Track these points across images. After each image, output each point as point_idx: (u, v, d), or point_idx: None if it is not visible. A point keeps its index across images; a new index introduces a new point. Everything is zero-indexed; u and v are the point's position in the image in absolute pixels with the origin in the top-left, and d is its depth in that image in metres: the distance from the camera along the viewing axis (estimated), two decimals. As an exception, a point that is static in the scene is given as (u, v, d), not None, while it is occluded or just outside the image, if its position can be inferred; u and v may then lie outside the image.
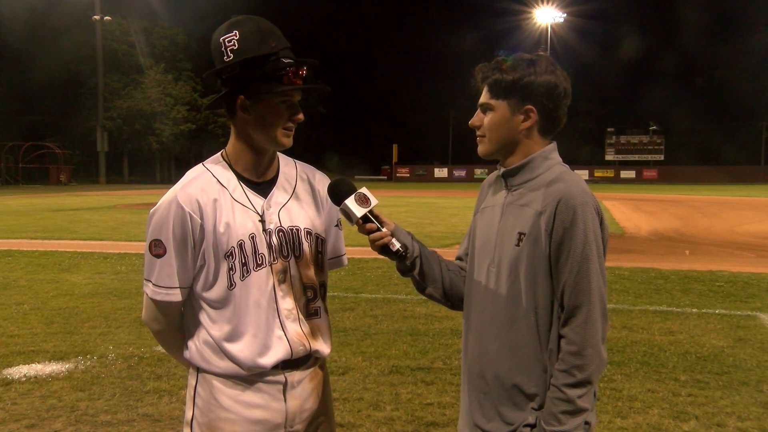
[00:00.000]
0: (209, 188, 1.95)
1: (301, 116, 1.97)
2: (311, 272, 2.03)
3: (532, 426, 1.87)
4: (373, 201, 1.95)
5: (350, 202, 1.93)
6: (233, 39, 1.88)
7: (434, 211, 22.87)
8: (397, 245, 1.95)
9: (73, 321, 7.09)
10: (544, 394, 1.86)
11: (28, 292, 8.69)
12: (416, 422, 4.35)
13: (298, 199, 2.05)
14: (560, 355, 1.83)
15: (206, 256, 1.93)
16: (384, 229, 1.95)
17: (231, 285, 1.93)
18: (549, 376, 1.86)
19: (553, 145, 1.99)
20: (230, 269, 1.92)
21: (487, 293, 1.96)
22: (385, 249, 1.95)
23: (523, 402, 1.89)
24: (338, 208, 1.97)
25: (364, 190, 1.96)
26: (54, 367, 5.47)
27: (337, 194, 1.97)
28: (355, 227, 1.98)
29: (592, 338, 1.81)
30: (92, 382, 5.10)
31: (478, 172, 61.82)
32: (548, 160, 1.96)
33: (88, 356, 5.76)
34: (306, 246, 2.01)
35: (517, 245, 1.88)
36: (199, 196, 1.93)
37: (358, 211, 1.93)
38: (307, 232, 2.03)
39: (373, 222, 1.95)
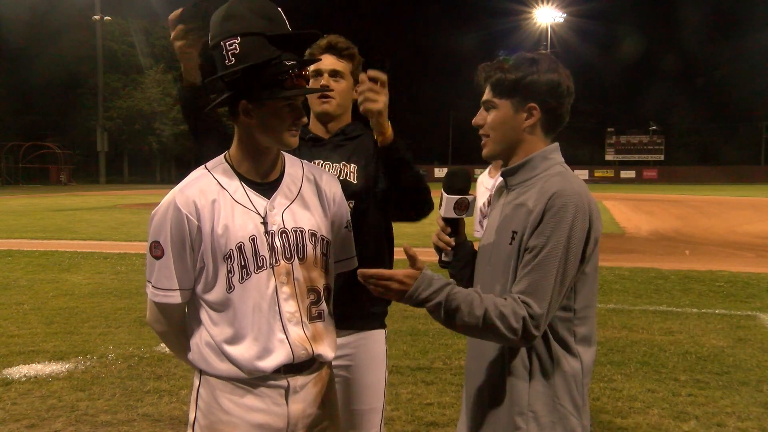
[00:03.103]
0: (208, 190, 1.93)
1: (304, 119, 1.95)
2: (315, 275, 2.00)
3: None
4: (469, 214, 2.00)
5: (450, 201, 1.97)
6: (234, 43, 1.84)
7: (434, 211, 22.81)
8: (445, 259, 2.04)
9: (73, 321, 7.09)
10: (528, 398, 1.84)
11: (28, 292, 8.69)
12: (416, 422, 4.35)
13: (303, 201, 2.02)
14: (507, 299, 1.76)
15: (205, 258, 1.91)
16: (453, 240, 2.01)
17: (230, 288, 1.90)
18: (530, 377, 1.85)
19: (555, 146, 1.97)
20: (229, 272, 1.90)
21: (486, 292, 1.96)
22: (438, 249, 2.04)
23: (516, 404, 1.87)
24: (443, 193, 2.00)
25: (471, 199, 1.99)
26: (54, 367, 5.47)
27: (451, 184, 1.99)
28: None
29: (531, 323, 1.74)
30: (92, 382, 5.10)
31: (477, 172, 61.89)
32: (548, 160, 1.94)
33: (88, 356, 5.77)
34: (310, 248, 1.99)
35: (510, 244, 1.87)
36: (197, 198, 1.91)
37: (448, 213, 1.98)
38: (312, 233, 2.00)
39: (450, 227, 2.01)
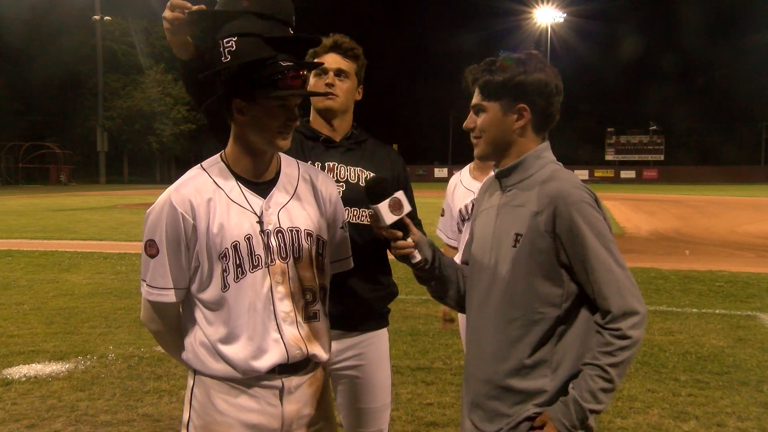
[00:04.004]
0: (204, 189, 1.93)
1: (297, 122, 1.95)
2: (311, 275, 2.00)
3: (531, 419, 1.86)
4: (406, 209, 1.94)
5: (383, 207, 1.92)
6: (231, 41, 1.85)
7: (434, 211, 22.76)
8: (418, 257, 1.96)
9: (73, 321, 7.09)
10: (550, 391, 1.85)
11: (28, 292, 8.69)
12: (416, 422, 4.34)
13: (299, 200, 2.02)
14: (603, 338, 1.81)
15: (200, 257, 1.91)
16: (409, 239, 1.95)
17: (224, 287, 1.90)
18: (552, 371, 1.86)
19: (546, 144, 1.98)
20: (224, 271, 1.90)
21: (484, 294, 1.96)
22: (405, 258, 1.96)
23: (523, 400, 1.88)
24: (372, 207, 1.95)
25: (399, 195, 1.94)
26: (54, 367, 5.47)
27: (374, 193, 1.94)
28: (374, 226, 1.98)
29: (631, 322, 1.80)
30: (92, 382, 5.10)
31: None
32: (540, 159, 1.95)
33: (88, 356, 5.77)
34: (306, 248, 1.99)
35: (514, 246, 1.88)
36: (193, 196, 1.90)
37: (389, 219, 1.92)
38: (307, 233, 2.00)
39: (400, 229, 1.94)
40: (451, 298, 2.10)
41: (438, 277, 2.05)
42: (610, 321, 1.81)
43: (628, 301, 1.81)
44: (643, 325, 1.83)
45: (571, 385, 1.83)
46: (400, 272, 2.81)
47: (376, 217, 1.93)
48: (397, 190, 1.96)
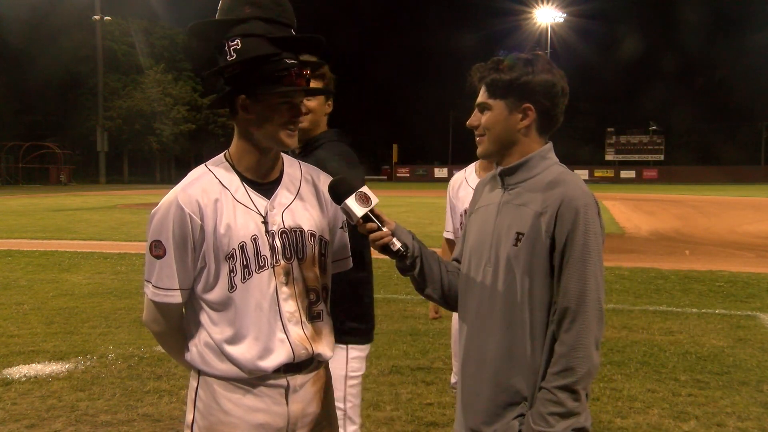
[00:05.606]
0: (210, 189, 1.93)
1: (302, 120, 1.96)
2: (314, 275, 2.01)
3: (522, 415, 1.87)
4: (374, 200, 1.94)
5: (351, 201, 1.92)
6: (236, 39, 1.87)
7: (434, 211, 22.78)
8: (398, 245, 1.95)
9: (73, 321, 7.09)
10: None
11: (28, 292, 8.69)
12: (416, 422, 4.35)
13: (302, 201, 2.03)
14: (553, 357, 1.82)
15: (207, 257, 1.90)
16: (385, 229, 1.94)
17: (231, 287, 1.90)
18: (541, 378, 1.86)
19: (550, 145, 1.99)
20: (231, 271, 1.90)
21: (484, 293, 1.95)
22: (385, 248, 1.95)
23: (519, 401, 1.89)
24: (339, 207, 1.96)
25: (365, 188, 1.94)
26: (54, 367, 5.47)
27: (338, 193, 1.95)
28: (356, 226, 1.97)
29: (585, 341, 1.80)
30: (92, 382, 5.10)
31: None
32: (546, 159, 1.96)
33: (88, 356, 5.77)
34: (310, 248, 1.99)
35: (515, 245, 1.88)
36: (200, 197, 1.90)
37: (359, 211, 1.92)
38: (311, 233, 2.00)
39: (374, 221, 1.94)
40: (435, 291, 2.07)
41: (420, 267, 2.03)
42: (560, 326, 1.81)
43: (586, 311, 1.80)
44: (593, 339, 1.81)
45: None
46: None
47: (348, 214, 1.94)
48: (362, 183, 1.96)
